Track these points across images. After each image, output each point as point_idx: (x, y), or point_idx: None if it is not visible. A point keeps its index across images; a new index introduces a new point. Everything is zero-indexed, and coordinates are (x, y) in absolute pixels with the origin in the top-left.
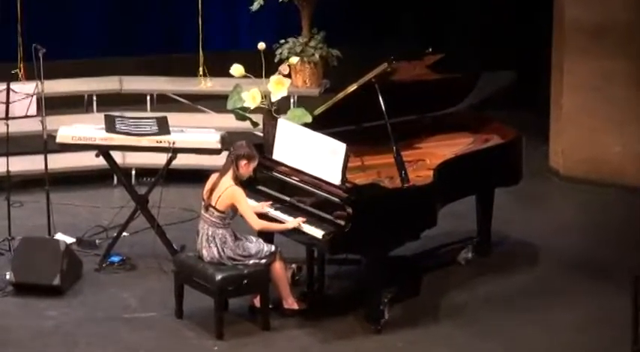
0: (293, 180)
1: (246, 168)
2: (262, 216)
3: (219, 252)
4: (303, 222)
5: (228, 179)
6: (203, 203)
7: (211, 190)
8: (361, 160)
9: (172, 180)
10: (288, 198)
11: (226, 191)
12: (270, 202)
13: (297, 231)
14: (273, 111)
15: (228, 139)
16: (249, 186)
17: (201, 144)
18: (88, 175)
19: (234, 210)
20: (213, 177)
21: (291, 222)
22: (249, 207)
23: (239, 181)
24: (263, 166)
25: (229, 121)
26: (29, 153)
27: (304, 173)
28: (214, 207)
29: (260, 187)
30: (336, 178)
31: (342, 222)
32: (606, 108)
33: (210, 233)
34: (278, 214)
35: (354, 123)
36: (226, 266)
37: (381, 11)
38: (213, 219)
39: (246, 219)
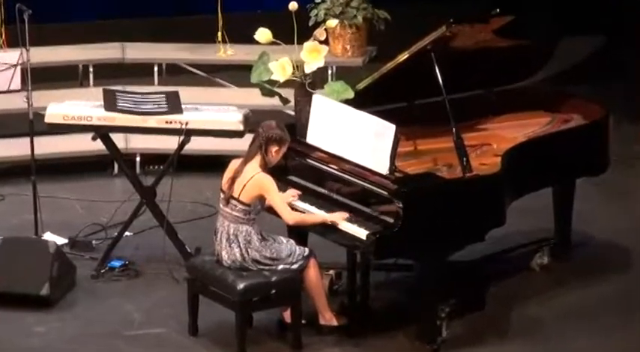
0: (331, 169)
1: (277, 154)
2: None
3: (242, 254)
4: (345, 219)
5: (254, 165)
6: (223, 195)
7: (233, 179)
8: (414, 145)
9: (185, 169)
10: (324, 191)
11: (253, 179)
12: (299, 192)
13: (336, 230)
14: (306, 85)
15: (253, 119)
16: (278, 176)
17: (220, 124)
18: (83, 162)
19: (261, 202)
20: (235, 163)
21: (333, 214)
22: (282, 198)
23: (267, 169)
24: (295, 152)
25: (254, 97)
26: (12, 135)
27: (344, 160)
28: (237, 199)
29: (291, 177)
30: (383, 166)
31: (391, 220)
32: None
33: (231, 231)
34: (312, 210)
35: (405, 100)
36: (251, 271)
37: None
38: (236, 214)
39: (277, 211)
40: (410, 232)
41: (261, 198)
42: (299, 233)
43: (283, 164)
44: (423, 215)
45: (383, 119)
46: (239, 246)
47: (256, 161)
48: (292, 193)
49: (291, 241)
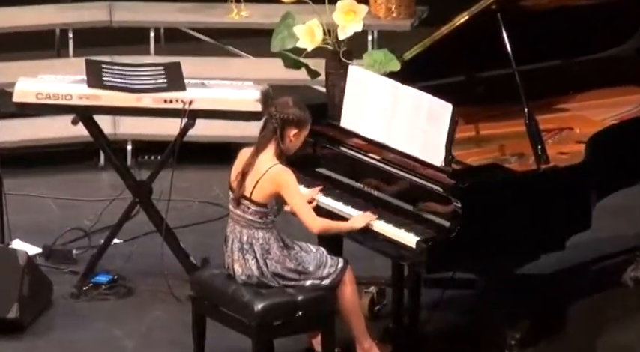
0: (370, 160)
1: (296, 139)
2: (320, 212)
3: (259, 267)
4: (384, 222)
5: (268, 156)
6: (232, 194)
7: (243, 174)
8: (475, 129)
9: (189, 160)
10: (362, 187)
11: (268, 173)
12: (320, 186)
13: (377, 236)
14: (341, 54)
15: (273, 97)
16: (303, 167)
17: (233, 104)
18: (61, 152)
19: (280, 201)
20: (245, 154)
21: (357, 217)
22: (303, 198)
23: (284, 159)
24: (326, 138)
25: (274, 70)
26: None
27: (388, 148)
28: (249, 199)
29: (321, 169)
30: (437, 156)
31: (447, 224)
32: None
33: (244, 238)
34: (345, 210)
35: (465, 73)
36: (271, 289)
37: None
38: (249, 217)
39: (297, 215)
40: (471, 238)
41: (279, 196)
42: (332, 239)
43: (311, 153)
44: (487, 217)
45: (437, 97)
46: (255, 257)
47: (270, 150)
48: (314, 190)
49: (322, 250)
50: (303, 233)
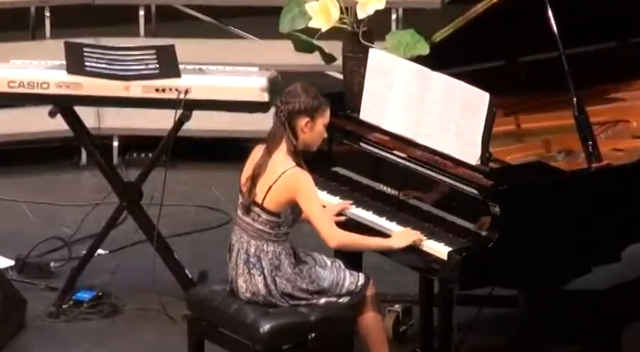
0: (395, 157)
1: (310, 130)
2: (341, 223)
3: (266, 285)
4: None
5: (281, 156)
6: (241, 199)
7: (254, 177)
8: (516, 122)
9: (185, 158)
10: (385, 189)
11: (282, 178)
12: (350, 202)
13: (403, 247)
14: (360, 35)
15: (282, 85)
16: (317, 167)
17: (235, 93)
18: (37, 149)
19: (295, 210)
20: (257, 153)
21: (398, 234)
22: (321, 206)
23: (301, 157)
24: (342, 132)
25: (284, 53)
26: None
27: (415, 144)
28: (261, 206)
29: (337, 168)
30: (472, 153)
31: (484, 232)
32: None
33: (252, 250)
34: (370, 218)
35: (503, 58)
36: (280, 308)
37: None
38: (259, 227)
39: (314, 225)
40: (512, 248)
41: (294, 204)
42: (350, 253)
43: (326, 149)
44: (530, 223)
45: (471, 84)
46: (262, 273)
47: (283, 149)
48: (344, 204)
49: (339, 262)
50: (316, 241)
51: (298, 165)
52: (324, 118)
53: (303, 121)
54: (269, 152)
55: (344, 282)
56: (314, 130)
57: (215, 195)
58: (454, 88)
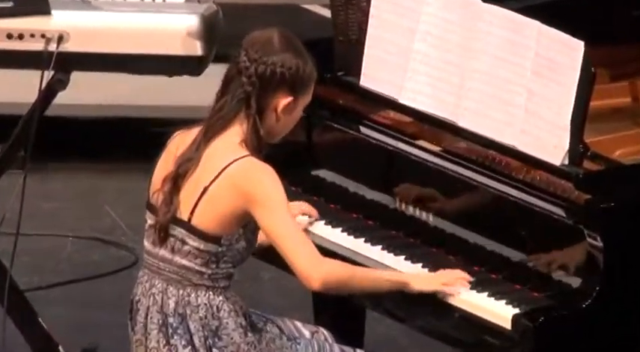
0: (421, 153)
1: (287, 115)
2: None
3: None
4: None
5: (227, 143)
6: (150, 219)
7: (177, 178)
8: (631, 90)
9: (59, 155)
10: (401, 205)
11: (228, 172)
12: (314, 211)
13: (431, 304)
14: None
15: (228, 27)
16: (288, 168)
17: (144, 42)
18: None
19: (249, 230)
20: (179, 143)
21: (443, 274)
22: (295, 222)
23: (261, 151)
24: (331, 110)
25: None
26: None
27: (456, 129)
28: (188, 226)
29: (321, 172)
30: (554, 146)
31: (576, 281)
32: None
33: (172, 306)
34: (378, 258)
35: None
36: None
37: None
38: (184, 264)
39: (285, 255)
40: (622, 309)
41: (247, 218)
42: (344, 311)
43: (302, 140)
44: None
45: (558, 29)
46: (191, 343)
47: (233, 134)
48: (304, 208)
49: (324, 334)
50: (284, 296)
51: (258, 156)
52: (307, 96)
53: (283, 99)
54: (206, 138)
55: None
56: (291, 115)
57: (110, 216)
58: (524, 30)
